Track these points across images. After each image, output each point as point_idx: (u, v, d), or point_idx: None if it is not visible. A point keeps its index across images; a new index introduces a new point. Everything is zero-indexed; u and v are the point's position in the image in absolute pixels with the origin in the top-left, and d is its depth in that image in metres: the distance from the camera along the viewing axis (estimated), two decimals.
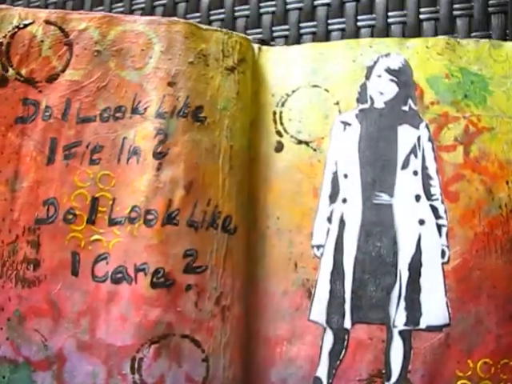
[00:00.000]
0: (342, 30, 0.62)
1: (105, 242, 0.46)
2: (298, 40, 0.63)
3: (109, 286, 0.45)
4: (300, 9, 0.64)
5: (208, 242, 0.46)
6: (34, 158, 0.46)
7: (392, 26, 0.60)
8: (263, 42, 0.54)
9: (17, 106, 0.47)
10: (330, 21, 0.62)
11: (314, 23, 0.63)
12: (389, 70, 0.50)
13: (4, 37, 0.47)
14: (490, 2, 0.58)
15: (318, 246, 0.49)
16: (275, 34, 0.64)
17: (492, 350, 0.45)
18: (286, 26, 0.64)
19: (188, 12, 0.67)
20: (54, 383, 0.44)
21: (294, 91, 0.52)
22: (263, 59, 0.53)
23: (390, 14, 0.61)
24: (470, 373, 0.45)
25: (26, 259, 0.46)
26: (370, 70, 0.50)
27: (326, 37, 0.62)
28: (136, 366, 0.44)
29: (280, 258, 0.49)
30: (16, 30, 0.47)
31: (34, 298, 0.45)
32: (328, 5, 0.63)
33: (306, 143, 0.51)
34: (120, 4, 0.70)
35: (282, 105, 0.52)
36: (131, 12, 0.69)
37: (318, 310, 0.48)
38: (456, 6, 0.59)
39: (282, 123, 0.52)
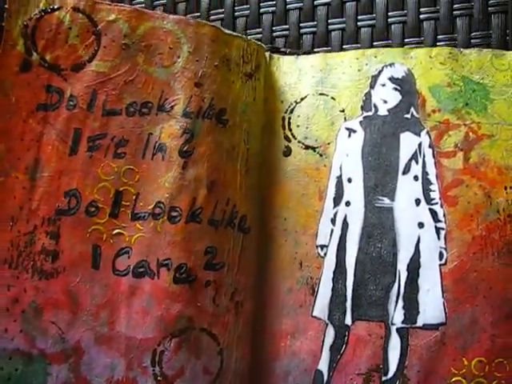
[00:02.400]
0: (342, 29, 0.63)
1: (127, 236, 0.46)
2: (298, 40, 0.63)
3: (130, 279, 0.46)
4: (300, 9, 0.64)
5: (226, 240, 0.48)
6: (56, 147, 0.46)
7: (392, 26, 0.62)
8: (274, 50, 0.57)
9: (39, 92, 0.46)
10: (329, 21, 0.63)
11: (314, 23, 0.63)
12: (392, 79, 0.54)
13: (30, 19, 0.46)
14: (490, 1, 0.60)
15: (322, 246, 0.52)
16: (275, 34, 0.64)
17: (487, 349, 0.49)
18: (286, 26, 0.64)
19: (188, 12, 0.66)
20: (70, 376, 0.44)
21: (302, 99, 0.55)
22: (273, 67, 0.56)
23: (390, 13, 0.62)
24: (464, 370, 0.49)
25: (45, 250, 0.45)
26: (374, 79, 0.54)
27: (326, 37, 0.63)
28: (157, 358, 0.45)
29: (286, 257, 0.52)
30: (43, 13, 0.46)
31: (51, 290, 0.44)
32: (328, 5, 0.63)
33: (313, 148, 0.54)
34: (120, 4, 0.66)
35: (291, 111, 0.55)
36: None
37: (321, 307, 0.51)
38: (456, 5, 0.61)
39: (290, 129, 0.54)
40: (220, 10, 0.65)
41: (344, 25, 0.63)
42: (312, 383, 0.50)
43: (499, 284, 0.49)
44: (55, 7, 0.46)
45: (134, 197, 0.47)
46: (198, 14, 0.66)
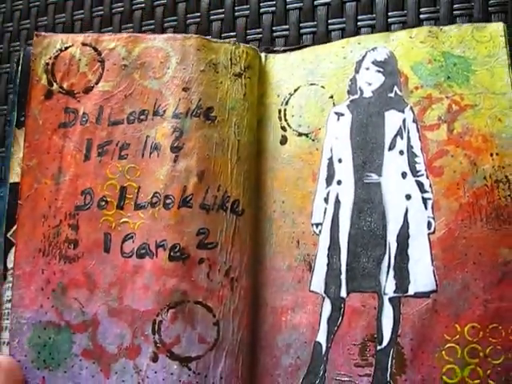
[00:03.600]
0: (342, 29, 0.63)
1: (131, 223, 0.54)
2: (298, 40, 0.65)
3: (134, 260, 0.53)
4: (300, 9, 0.65)
5: (218, 222, 0.53)
6: (74, 156, 0.56)
7: (392, 26, 0.62)
8: (268, 50, 0.61)
9: (60, 114, 0.57)
10: (330, 21, 0.64)
11: (314, 23, 0.65)
12: (375, 62, 0.56)
13: (50, 58, 0.57)
14: (490, 1, 0.60)
15: (317, 224, 0.54)
16: (275, 34, 0.65)
17: (479, 314, 0.47)
18: (286, 26, 0.66)
19: (188, 12, 0.68)
20: (89, 343, 0.52)
21: (295, 90, 0.59)
22: (269, 66, 0.61)
23: (390, 13, 0.62)
24: (457, 337, 0.48)
25: (68, 240, 0.54)
26: (359, 64, 0.56)
27: (326, 37, 0.63)
28: (156, 327, 0.51)
29: (285, 237, 0.55)
30: (59, 52, 0.57)
31: (73, 272, 0.54)
32: (328, 5, 0.64)
33: (306, 135, 0.57)
34: (120, 4, 0.72)
35: (286, 103, 0.59)
36: (131, 11, 0.71)
37: (318, 282, 0.53)
38: (456, 5, 0.61)
39: (286, 119, 0.58)
40: (220, 10, 0.68)
41: (344, 25, 0.64)
42: (312, 355, 0.52)
43: (489, 249, 0.48)
44: (68, 45, 0.57)
45: (136, 190, 0.54)
46: (198, 13, 0.68)
